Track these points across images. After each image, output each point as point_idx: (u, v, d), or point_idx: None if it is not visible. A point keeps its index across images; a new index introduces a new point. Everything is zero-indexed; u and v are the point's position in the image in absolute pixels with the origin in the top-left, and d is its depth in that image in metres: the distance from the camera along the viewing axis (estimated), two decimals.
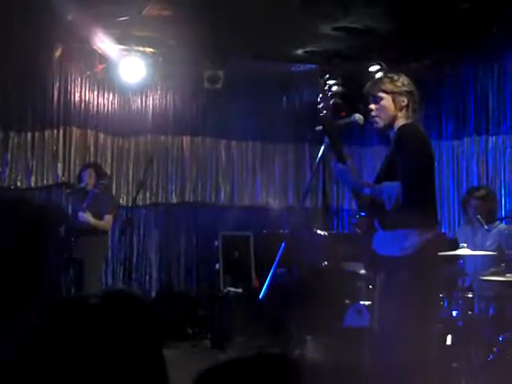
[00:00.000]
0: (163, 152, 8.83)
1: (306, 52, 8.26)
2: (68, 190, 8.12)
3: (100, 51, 8.01)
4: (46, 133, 8.32)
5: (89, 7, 6.50)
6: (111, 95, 8.66)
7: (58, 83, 8.40)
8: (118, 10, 6.83)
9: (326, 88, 3.91)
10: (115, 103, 8.68)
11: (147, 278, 8.70)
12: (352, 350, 4.33)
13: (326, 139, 3.76)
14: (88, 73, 8.44)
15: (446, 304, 5.24)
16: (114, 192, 8.23)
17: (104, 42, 7.67)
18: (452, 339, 4.99)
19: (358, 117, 3.80)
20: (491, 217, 5.75)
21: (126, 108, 8.73)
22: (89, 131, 8.51)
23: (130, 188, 8.62)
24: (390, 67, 7.12)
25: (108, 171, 8.23)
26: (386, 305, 3.64)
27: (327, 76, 8.56)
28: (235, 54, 8.22)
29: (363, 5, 6.54)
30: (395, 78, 3.81)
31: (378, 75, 4.17)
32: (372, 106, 3.79)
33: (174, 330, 7.63)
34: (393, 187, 3.55)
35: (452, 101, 7.99)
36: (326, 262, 6.80)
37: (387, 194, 3.57)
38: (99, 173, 7.24)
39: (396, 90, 3.76)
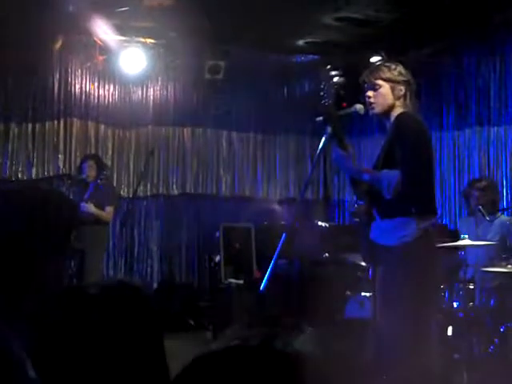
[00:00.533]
0: (164, 143, 8.82)
1: (307, 43, 8.24)
2: (69, 182, 8.12)
3: (100, 42, 7.99)
4: (47, 124, 8.31)
5: None
6: (112, 86, 8.64)
7: (58, 75, 8.39)
8: (119, 1, 6.81)
9: (328, 78, 3.90)
10: (116, 94, 8.67)
11: (148, 269, 8.71)
12: (353, 341, 4.33)
13: (327, 130, 3.75)
14: (88, 64, 8.42)
15: (447, 295, 5.24)
16: (114, 183, 8.22)
17: (104, 33, 7.65)
18: (453, 330, 4.99)
19: (359, 107, 3.79)
20: (493, 208, 5.74)
21: (127, 99, 8.71)
22: (89, 123, 8.51)
23: (131, 179, 8.62)
24: (391, 57, 7.09)
25: (109, 163, 8.23)
26: (385, 295, 3.64)
27: (328, 67, 8.59)
28: (236, 44, 8.20)
29: None
30: (393, 66, 3.82)
31: (375, 64, 4.15)
32: (370, 93, 3.78)
33: (175, 322, 7.63)
34: (393, 175, 3.54)
35: (453, 91, 7.96)
36: (326, 254, 6.79)
37: (387, 182, 3.55)
38: (100, 164, 7.23)
39: (394, 78, 3.77)
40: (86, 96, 8.51)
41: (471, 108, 7.78)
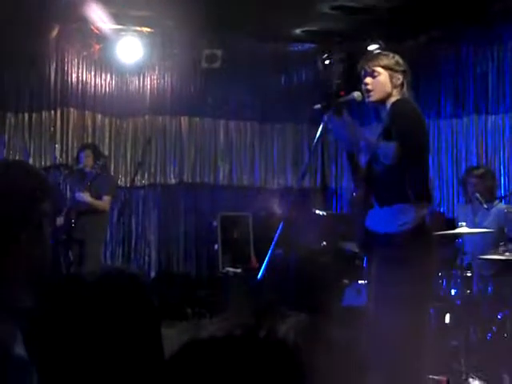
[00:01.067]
0: (161, 133, 8.80)
1: (304, 31, 8.21)
2: (66, 171, 8.10)
3: (97, 31, 7.96)
4: (43, 114, 8.29)
5: None
6: (108, 76, 8.61)
7: (54, 64, 8.36)
8: None
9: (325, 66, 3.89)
10: (112, 84, 8.64)
11: (146, 258, 8.71)
12: (349, 329, 4.33)
13: (325, 118, 3.74)
14: (85, 53, 8.38)
15: (444, 283, 5.26)
16: (112, 173, 8.21)
17: (101, 22, 7.62)
18: (450, 318, 5.01)
19: (356, 94, 3.79)
20: (490, 195, 5.75)
21: (124, 88, 8.68)
22: (86, 112, 8.48)
23: (128, 169, 8.60)
24: (389, 45, 7.08)
25: (106, 152, 8.21)
26: (383, 283, 3.64)
27: (325, 55, 8.57)
28: (233, 33, 8.17)
29: None
30: (391, 55, 3.82)
31: (373, 52, 4.15)
32: (368, 80, 3.77)
33: (173, 310, 7.63)
34: (390, 144, 3.52)
35: (451, 79, 7.94)
36: (324, 242, 6.80)
37: (383, 152, 3.53)
38: (97, 154, 7.22)
39: (393, 66, 3.76)
40: (82, 85, 8.48)
41: (469, 96, 7.77)
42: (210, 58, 8.44)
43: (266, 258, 3.61)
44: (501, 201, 6.08)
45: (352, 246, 6.24)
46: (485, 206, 5.58)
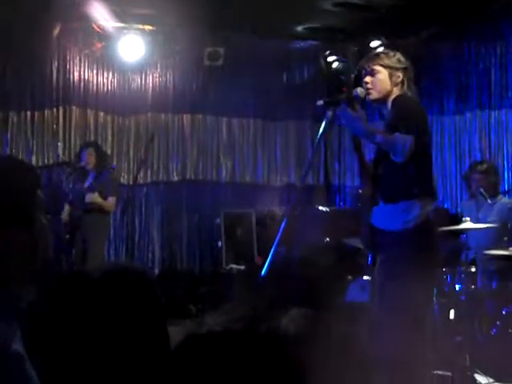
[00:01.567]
0: (164, 130, 8.80)
1: (306, 28, 8.20)
2: (68, 170, 8.10)
3: (99, 29, 7.96)
4: (46, 112, 8.29)
5: None
6: (111, 74, 8.61)
7: (56, 62, 8.35)
8: None
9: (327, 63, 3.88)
10: (115, 82, 8.63)
11: (150, 256, 8.71)
12: (352, 324, 4.33)
13: (328, 114, 3.73)
14: (87, 51, 8.38)
15: (449, 278, 5.25)
16: (115, 171, 8.20)
17: (103, 20, 7.61)
18: (455, 313, 5.00)
19: (360, 90, 3.78)
20: (494, 191, 5.75)
21: (126, 86, 8.68)
22: (88, 110, 8.48)
23: (131, 167, 8.60)
24: (391, 42, 7.07)
25: (108, 150, 8.21)
26: (387, 279, 3.63)
27: (328, 52, 8.56)
28: (236, 30, 8.16)
29: None
30: (391, 53, 3.83)
31: (374, 51, 4.14)
32: (367, 79, 3.78)
33: (177, 308, 7.64)
34: (407, 138, 3.50)
35: (454, 75, 7.93)
36: (327, 239, 6.79)
37: (402, 142, 3.48)
38: (99, 151, 7.22)
39: (392, 65, 3.77)
40: (84, 83, 8.48)
41: (472, 92, 7.75)
42: (213, 56, 8.43)
43: (270, 255, 3.61)
44: (504, 196, 6.08)
45: (355, 242, 6.23)
46: (489, 201, 5.57)
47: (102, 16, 7.42)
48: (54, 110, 8.31)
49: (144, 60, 8.45)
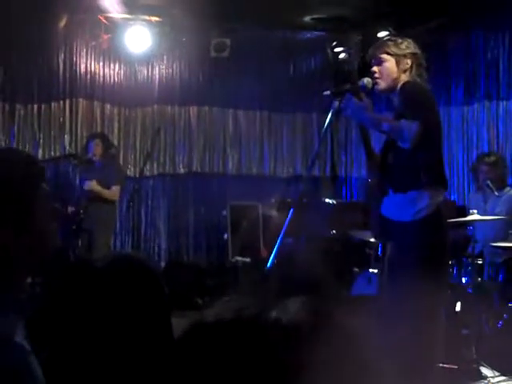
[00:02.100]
0: (170, 122, 8.79)
1: (313, 19, 8.16)
2: (75, 161, 8.11)
3: (105, 21, 7.94)
4: (53, 104, 8.30)
5: None
6: (117, 65, 8.60)
7: (63, 54, 8.35)
8: None
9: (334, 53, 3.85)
10: (121, 74, 8.63)
11: (156, 248, 8.72)
12: (359, 316, 4.32)
13: (334, 105, 3.70)
14: (93, 43, 8.37)
15: (455, 271, 5.22)
16: (121, 163, 8.20)
17: (109, 12, 7.60)
18: (461, 306, 4.98)
19: (366, 81, 3.75)
20: (501, 183, 5.71)
21: (133, 78, 8.67)
22: (95, 102, 8.48)
23: (138, 159, 8.60)
24: (398, 32, 7.02)
25: (115, 142, 8.19)
26: (397, 271, 3.61)
27: (335, 43, 8.52)
28: (242, 21, 8.13)
29: None
30: (399, 40, 3.78)
31: (382, 39, 4.10)
32: (375, 68, 3.75)
33: (183, 300, 7.64)
34: (413, 124, 3.47)
35: (462, 66, 7.88)
36: (333, 231, 6.78)
37: (407, 130, 3.47)
38: (106, 143, 7.21)
39: (399, 52, 3.73)
40: (91, 75, 8.48)
41: (480, 82, 7.70)
42: (219, 47, 8.40)
43: (276, 247, 3.60)
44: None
45: (362, 235, 6.21)
46: (496, 193, 5.53)
47: (108, 7, 7.41)
48: (61, 102, 8.32)
49: (150, 52, 8.43)
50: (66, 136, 8.31)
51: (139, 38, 8.14)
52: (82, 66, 8.44)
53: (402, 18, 7.46)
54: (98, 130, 8.30)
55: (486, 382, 4.52)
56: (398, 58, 3.72)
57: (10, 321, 1.29)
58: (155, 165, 8.67)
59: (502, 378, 4.54)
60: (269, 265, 3.59)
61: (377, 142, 3.98)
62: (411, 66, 3.72)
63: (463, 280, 5.17)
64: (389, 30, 7.54)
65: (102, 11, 7.60)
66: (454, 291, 5.01)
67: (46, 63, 8.22)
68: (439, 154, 3.75)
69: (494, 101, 7.54)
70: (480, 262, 5.32)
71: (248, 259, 7.74)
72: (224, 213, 8.35)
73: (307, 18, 8.15)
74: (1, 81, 8.04)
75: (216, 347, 0.93)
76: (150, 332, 1.40)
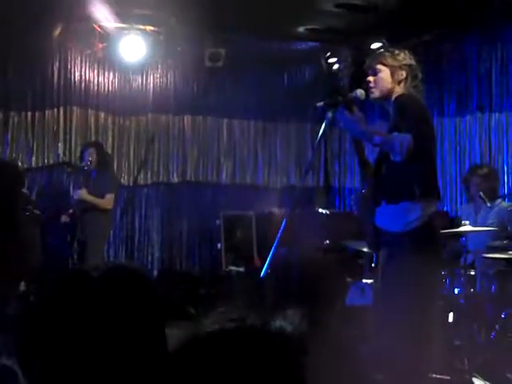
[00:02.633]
0: (164, 131, 8.80)
1: (307, 29, 8.19)
2: (69, 170, 8.11)
3: (100, 30, 7.95)
4: (47, 112, 8.29)
5: None
6: (111, 74, 8.61)
7: (57, 62, 8.36)
8: None
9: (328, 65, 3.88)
10: (116, 82, 8.64)
11: (149, 257, 8.71)
12: (353, 328, 4.33)
13: (328, 115, 3.72)
14: (88, 52, 8.38)
15: (448, 281, 5.24)
16: (115, 171, 8.19)
17: (104, 20, 7.61)
18: (454, 317, 4.99)
19: (360, 92, 3.78)
20: (493, 194, 5.73)
21: (127, 87, 8.68)
22: (89, 111, 8.48)
23: (132, 167, 8.60)
24: (392, 44, 7.06)
25: (109, 151, 8.20)
26: (391, 281, 3.62)
27: (329, 54, 8.55)
28: (236, 31, 8.15)
29: None
30: (396, 52, 3.81)
31: (379, 50, 4.13)
32: (370, 78, 3.79)
33: (176, 310, 7.63)
34: (405, 137, 3.50)
35: (454, 77, 7.92)
36: (327, 241, 6.79)
37: (399, 143, 3.49)
38: (100, 152, 7.21)
39: (395, 63, 3.76)
40: (85, 84, 8.48)
41: (472, 94, 7.74)
42: (214, 57, 8.42)
43: (269, 257, 3.61)
44: (504, 199, 6.06)
45: (355, 245, 6.22)
46: (488, 204, 5.56)
47: (103, 16, 7.42)
48: (55, 110, 8.32)
49: (145, 61, 8.44)
50: (59, 144, 8.30)
51: (134, 47, 8.15)
52: (77, 75, 8.44)
53: (396, 30, 7.50)
54: (92, 138, 8.31)
55: None
56: (393, 69, 3.76)
57: None
58: (149, 174, 8.67)
59: None
60: (262, 274, 3.60)
61: (370, 152, 4.00)
62: (406, 78, 3.75)
63: (456, 291, 5.18)
64: (383, 42, 7.59)
65: (96, 20, 7.61)
66: (446, 302, 5.03)
67: (40, 71, 8.23)
68: (432, 166, 3.77)
69: (486, 113, 7.58)
70: (472, 273, 5.34)
71: (242, 268, 7.75)
72: (218, 222, 8.35)
73: (301, 29, 8.18)
74: None
75: (215, 358, 0.94)
76: (144, 342, 1.41)
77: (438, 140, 7.75)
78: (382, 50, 4.06)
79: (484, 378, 4.60)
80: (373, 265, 5.24)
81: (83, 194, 6.85)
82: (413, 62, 3.80)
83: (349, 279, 6.13)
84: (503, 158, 7.40)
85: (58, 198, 7.91)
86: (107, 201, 7.02)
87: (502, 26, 7.37)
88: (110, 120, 8.59)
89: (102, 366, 1.35)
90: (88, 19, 7.52)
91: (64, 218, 7.10)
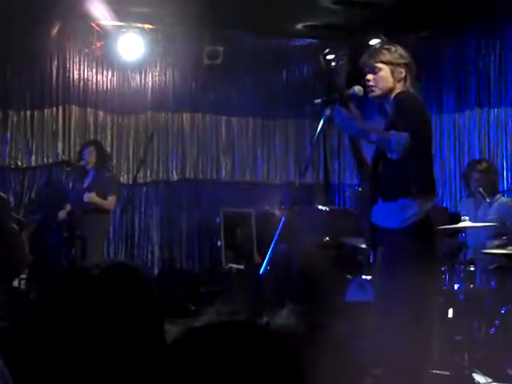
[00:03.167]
0: (163, 129, 8.80)
1: (305, 26, 8.19)
2: (68, 169, 8.11)
3: (98, 28, 7.95)
4: (46, 111, 8.29)
5: None
6: (110, 73, 8.60)
7: (56, 61, 8.36)
8: None
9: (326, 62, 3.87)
10: (114, 81, 8.63)
11: (149, 255, 8.71)
12: (353, 323, 4.33)
13: (326, 112, 3.72)
14: (86, 50, 8.37)
15: (447, 277, 5.24)
16: (114, 170, 8.19)
17: (102, 19, 7.61)
18: (454, 312, 5.00)
19: (357, 89, 3.76)
20: (493, 190, 5.73)
21: (126, 85, 8.67)
22: (88, 109, 8.48)
23: (131, 166, 8.60)
24: (390, 40, 7.06)
25: (108, 149, 8.18)
26: (388, 278, 3.63)
27: (327, 50, 8.54)
28: (235, 29, 8.15)
29: None
30: (393, 49, 3.77)
31: (375, 46, 4.10)
32: (369, 77, 3.75)
33: (176, 307, 7.64)
34: (402, 135, 3.49)
35: (453, 73, 7.92)
36: (327, 238, 6.78)
37: (395, 141, 3.49)
38: (100, 150, 7.20)
39: (394, 61, 3.73)
40: (84, 83, 8.48)
41: (471, 90, 7.74)
42: (212, 55, 8.42)
43: (268, 254, 3.61)
44: (503, 195, 6.06)
45: (355, 242, 6.23)
46: (487, 200, 5.56)
47: (101, 15, 7.42)
48: (54, 109, 8.32)
49: (143, 59, 8.44)
50: (58, 143, 8.30)
51: (132, 45, 8.16)
52: (75, 73, 8.44)
53: (394, 27, 7.50)
54: (91, 136, 8.30)
55: None
56: (393, 67, 3.72)
57: None
58: (148, 172, 8.67)
59: None
60: (262, 271, 3.61)
61: (368, 149, 3.99)
62: (405, 76, 3.74)
63: (455, 286, 5.19)
64: (381, 38, 7.58)
65: (94, 19, 7.61)
66: (446, 298, 5.03)
67: (38, 70, 8.22)
68: (430, 163, 3.76)
69: (485, 108, 7.58)
70: (472, 269, 5.34)
71: (242, 266, 7.74)
72: (217, 220, 8.34)
73: (300, 26, 8.18)
74: None
75: (208, 351, 0.94)
76: (143, 339, 1.41)
77: (437, 136, 7.77)
78: (378, 46, 4.03)
79: (484, 374, 4.61)
80: (371, 262, 5.24)
81: (93, 197, 6.85)
82: (409, 59, 3.78)
83: (348, 275, 6.14)
84: (502, 154, 7.40)
85: (56, 197, 7.91)
86: (110, 202, 7.03)
87: (501, 21, 7.37)
88: (108, 118, 8.59)
89: (102, 364, 1.35)
90: (86, 18, 7.52)
91: (61, 214, 7.09)
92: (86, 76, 8.48)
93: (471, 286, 5.25)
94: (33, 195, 8.12)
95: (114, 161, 8.41)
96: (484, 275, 5.37)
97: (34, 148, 8.21)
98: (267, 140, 9.28)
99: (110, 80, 8.61)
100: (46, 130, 8.27)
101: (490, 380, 4.58)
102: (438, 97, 7.99)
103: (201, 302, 7.93)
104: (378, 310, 3.77)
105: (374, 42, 7.57)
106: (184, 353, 0.97)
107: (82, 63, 8.47)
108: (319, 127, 3.76)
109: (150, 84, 8.79)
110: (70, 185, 8.06)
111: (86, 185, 7.01)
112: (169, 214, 8.80)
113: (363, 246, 5.86)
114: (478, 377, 4.61)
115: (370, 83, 3.75)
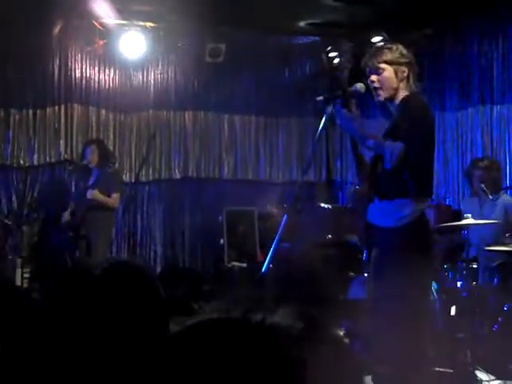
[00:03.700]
0: (165, 127, 8.79)
1: (307, 24, 8.18)
2: (70, 167, 8.11)
3: (100, 26, 7.95)
4: (48, 110, 8.29)
5: None
6: (112, 71, 8.60)
7: (58, 60, 8.35)
8: None
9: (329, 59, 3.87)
10: (116, 79, 8.63)
11: (152, 254, 8.71)
12: (355, 321, 4.33)
13: (328, 110, 3.71)
14: (88, 49, 8.37)
15: (450, 275, 5.24)
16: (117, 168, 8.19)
17: (104, 17, 7.61)
18: (457, 310, 4.99)
19: (359, 86, 3.76)
20: (495, 187, 5.72)
21: (128, 84, 8.67)
22: (90, 108, 8.48)
23: (133, 164, 8.59)
24: (393, 37, 7.05)
25: (110, 148, 8.19)
26: (381, 276, 3.63)
27: (329, 48, 8.54)
28: (237, 27, 8.14)
29: None
30: (394, 48, 3.76)
31: (376, 45, 4.09)
32: (373, 78, 3.73)
33: (179, 306, 7.64)
34: (396, 146, 3.50)
35: (456, 70, 7.90)
36: (329, 235, 6.78)
37: (389, 151, 3.51)
38: (102, 149, 7.20)
39: (396, 60, 3.72)
40: (86, 81, 8.47)
41: (474, 87, 7.73)
42: (214, 52, 8.41)
43: (271, 251, 3.61)
44: (506, 192, 6.04)
45: (357, 239, 6.23)
46: (490, 197, 5.55)
47: (103, 13, 7.42)
48: (56, 107, 8.32)
49: (145, 57, 8.43)
50: (61, 141, 8.30)
51: (134, 44, 8.16)
52: (77, 72, 8.44)
53: (397, 24, 7.49)
54: (94, 135, 8.30)
55: None
56: (396, 67, 3.71)
57: None
58: (151, 170, 8.67)
59: (498, 381, 4.55)
60: (264, 269, 3.61)
61: (367, 149, 3.99)
62: (408, 75, 3.72)
63: (458, 284, 5.18)
64: (383, 36, 7.57)
65: (96, 17, 7.61)
66: (449, 295, 5.03)
67: (40, 68, 8.22)
68: (429, 165, 3.75)
69: (488, 105, 7.57)
70: (475, 266, 5.34)
71: (244, 264, 7.74)
72: (220, 218, 8.35)
73: (302, 24, 8.17)
74: None
75: (202, 347, 0.94)
76: (149, 338, 1.41)
77: (440, 133, 7.76)
78: (379, 46, 4.02)
79: (487, 371, 4.61)
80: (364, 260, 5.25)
81: (96, 193, 6.85)
82: (411, 57, 3.77)
83: (351, 273, 6.14)
84: (505, 151, 7.39)
85: (59, 196, 7.91)
86: (114, 200, 7.03)
87: (503, 17, 7.35)
88: (111, 117, 8.59)
89: (105, 362, 1.35)
90: (88, 16, 7.52)
91: (65, 217, 7.10)
92: (88, 74, 8.48)
93: (474, 283, 5.25)
94: (35, 194, 8.12)
95: (117, 159, 8.40)
96: (487, 273, 5.37)
97: (36, 147, 8.21)
98: (269, 138, 9.27)
99: (112, 78, 8.61)
100: (48, 128, 8.27)
101: (492, 377, 4.58)
102: (440, 94, 7.97)
103: (203, 301, 7.93)
104: (371, 309, 3.77)
105: (376, 39, 7.58)
106: (179, 350, 0.97)
107: (84, 61, 8.47)
108: (321, 125, 3.76)
109: (152, 82, 8.78)
110: (73, 183, 8.06)
111: (90, 183, 7.01)
112: (171, 212, 8.79)
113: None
114: (480, 374, 4.61)
115: (375, 85, 3.73)
